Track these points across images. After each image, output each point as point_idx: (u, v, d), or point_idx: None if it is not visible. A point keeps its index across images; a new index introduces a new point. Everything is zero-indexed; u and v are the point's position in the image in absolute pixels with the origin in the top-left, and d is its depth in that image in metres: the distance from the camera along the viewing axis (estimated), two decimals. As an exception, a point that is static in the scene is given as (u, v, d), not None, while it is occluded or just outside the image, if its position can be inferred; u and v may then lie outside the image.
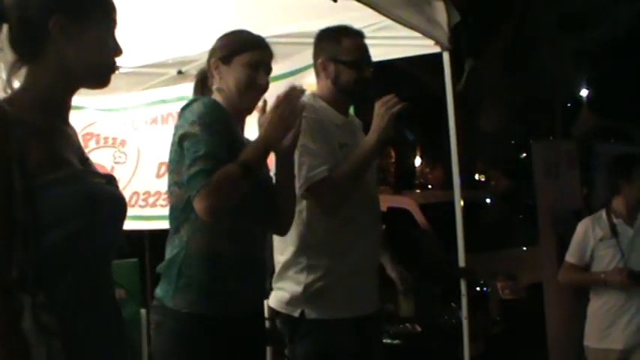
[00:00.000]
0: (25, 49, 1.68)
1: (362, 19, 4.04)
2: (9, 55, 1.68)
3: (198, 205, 2.32)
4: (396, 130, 2.92)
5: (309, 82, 4.35)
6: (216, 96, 2.65)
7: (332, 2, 3.87)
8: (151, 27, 4.08)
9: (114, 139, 5.08)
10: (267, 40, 4.52)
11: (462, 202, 4.18)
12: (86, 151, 5.53)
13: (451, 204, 5.72)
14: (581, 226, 4.41)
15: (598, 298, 4.24)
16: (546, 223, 6.31)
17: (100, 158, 5.17)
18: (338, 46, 3.03)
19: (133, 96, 4.98)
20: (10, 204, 1.51)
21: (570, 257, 4.34)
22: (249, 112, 2.71)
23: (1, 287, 1.47)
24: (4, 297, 1.47)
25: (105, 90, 5.50)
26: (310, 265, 2.93)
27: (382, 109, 2.84)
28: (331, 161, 2.87)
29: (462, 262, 4.03)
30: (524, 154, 15.07)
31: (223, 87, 2.63)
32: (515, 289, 7.39)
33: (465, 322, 3.96)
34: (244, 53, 2.64)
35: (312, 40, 4.37)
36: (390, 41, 4.10)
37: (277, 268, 3.05)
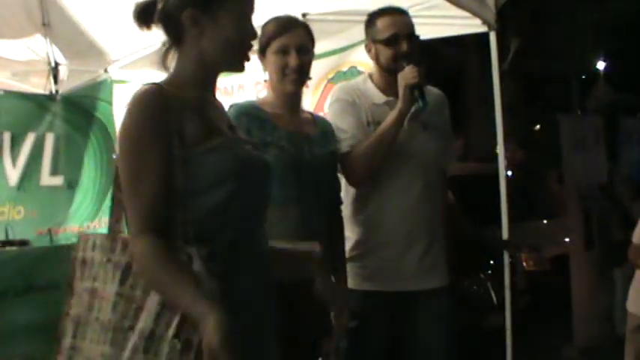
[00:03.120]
0: (170, 38, 1.90)
1: (410, -3, 4.13)
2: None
3: None
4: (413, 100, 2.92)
5: (355, 60, 4.49)
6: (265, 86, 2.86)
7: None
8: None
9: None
10: (312, 17, 4.63)
11: (506, 174, 4.23)
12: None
13: (475, 177, 5.76)
14: None
15: None
16: (573, 197, 6.43)
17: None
18: (374, 27, 3.11)
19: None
20: (172, 171, 1.72)
21: (635, 238, 4.42)
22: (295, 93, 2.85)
23: (169, 241, 1.70)
24: (172, 249, 1.70)
25: (150, 64, 5.58)
26: (348, 237, 3.06)
27: (401, 82, 2.93)
28: (358, 137, 2.98)
29: (505, 235, 4.12)
30: (538, 126, 15.13)
31: (269, 76, 2.83)
32: (539, 261, 7.53)
33: (507, 293, 4.07)
34: (273, 42, 2.77)
35: (358, 18, 4.48)
36: (438, 20, 4.15)
37: None
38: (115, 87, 5.50)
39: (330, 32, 4.60)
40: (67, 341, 1.81)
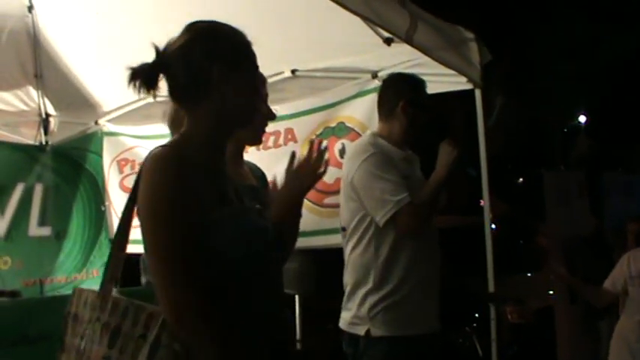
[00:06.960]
0: (187, 97, 1.83)
1: (398, 55, 4.22)
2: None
3: None
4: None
5: (343, 115, 4.56)
6: None
7: (368, 40, 4.08)
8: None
9: (149, 165, 5.25)
10: (302, 74, 4.69)
11: (492, 226, 4.33)
12: (121, 176, 5.63)
13: (456, 230, 5.86)
14: (623, 258, 4.61)
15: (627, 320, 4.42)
16: (556, 249, 6.51)
17: (136, 184, 5.35)
18: (419, 92, 3.43)
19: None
20: (194, 235, 1.67)
21: (606, 283, 4.50)
22: None
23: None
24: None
25: (141, 118, 5.62)
26: (376, 286, 3.18)
27: (450, 148, 3.20)
28: (406, 188, 3.16)
29: (491, 287, 4.16)
30: (521, 179, 15.22)
31: None
32: (523, 314, 7.58)
33: (494, 346, 4.09)
34: None
35: (346, 75, 4.59)
36: (425, 77, 4.21)
37: (346, 290, 3.30)
38: (105, 139, 5.55)
39: (319, 88, 4.69)
40: None
